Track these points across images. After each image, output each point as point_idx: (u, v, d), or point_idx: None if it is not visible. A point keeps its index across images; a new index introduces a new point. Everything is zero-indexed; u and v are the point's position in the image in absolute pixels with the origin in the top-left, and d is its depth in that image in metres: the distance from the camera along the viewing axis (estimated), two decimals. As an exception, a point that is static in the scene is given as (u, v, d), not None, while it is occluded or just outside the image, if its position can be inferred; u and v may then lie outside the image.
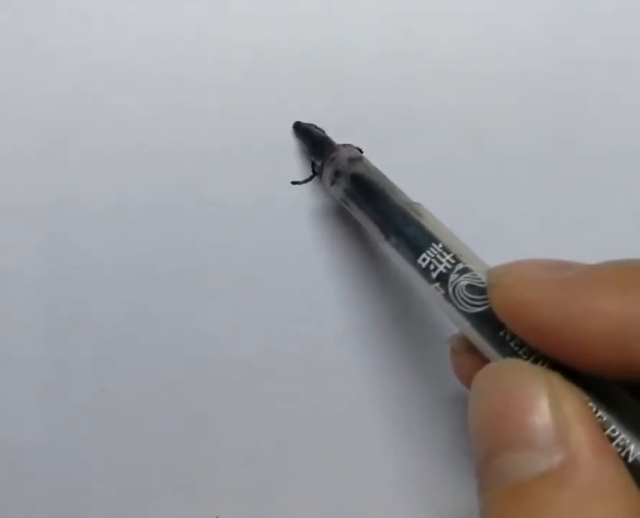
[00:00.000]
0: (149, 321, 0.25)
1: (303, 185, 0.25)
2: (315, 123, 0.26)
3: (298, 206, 0.26)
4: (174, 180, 0.25)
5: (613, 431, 0.16)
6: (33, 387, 0.24)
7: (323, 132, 0.25)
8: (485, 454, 0.16)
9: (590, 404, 0.16)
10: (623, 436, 0.16)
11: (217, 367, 0.25)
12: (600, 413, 0.16)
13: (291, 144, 0.26)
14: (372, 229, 0.22)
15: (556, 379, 0.16)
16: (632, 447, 0.16)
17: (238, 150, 0.26)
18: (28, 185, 0.25)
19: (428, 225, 0.21)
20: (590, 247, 0.26)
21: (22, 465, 0.24)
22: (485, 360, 0.19)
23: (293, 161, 0.26)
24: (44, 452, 0.24)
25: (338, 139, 0.26)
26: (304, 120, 0.26)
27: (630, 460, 0.16)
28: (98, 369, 0.24)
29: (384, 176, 0.23)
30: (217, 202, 0.25)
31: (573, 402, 0.16)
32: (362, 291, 0.25)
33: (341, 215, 0.25)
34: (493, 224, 0.26)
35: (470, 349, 0.20)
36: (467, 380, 0.21)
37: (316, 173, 0.25)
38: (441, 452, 0.25)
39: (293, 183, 0.26)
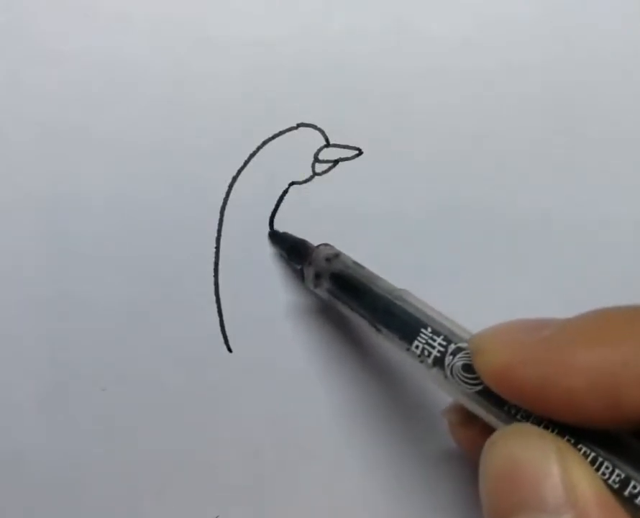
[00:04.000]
0: (149, 321, 0.25)
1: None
2: (287, 231, 0.25)
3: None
4: (174, 178, 0.25)
5: (635, 487, 0.16)
6: (33, 387, 0.24)
7: (298, 239, 0.25)
8: (497, 516, 0.17)
9: (607, 463, 0.17)
10: None
11: (217, 367, 0.25)
12: (618, 470, 0.16)
13: (290, 144, 0.26)
14: (362, 324, 0.22)
15: (563, 443, 0.17)
16: None
17: (238, 149, 0.26)
18: (28, 185, 0.25)
19: (415, 311, 0.21)
20: (590, 246, 0.26)
21: (22, 465, 0.24)
22: (487, 428, 0.19)
23: (293, 160, 0.26)
24: (44, 452, 0.24)
25: (337, 139, 0.26)
26: (304, 120, 0.26)
27: None
28: (98, 369, 0.24)
29: (364, 269, 0.23)
30: (217, 201, 0.25)
31: (581, 465, 0.16)
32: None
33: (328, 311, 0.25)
34: (494, 220, 0.26)
35: (468, 420, 0.21)
36: (469, 449, 0.22)
37: (315, 172, 0.25)
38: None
39: (292, 183, 0.26)
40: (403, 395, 0.25)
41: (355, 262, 0.23)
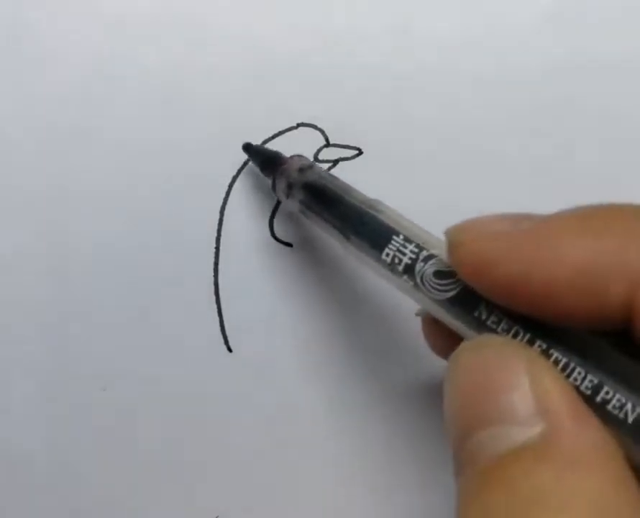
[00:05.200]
0: (149, 321, 0.25)
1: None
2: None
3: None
4: (174, 178, 0.25)
5: (607, 393, 0.16)
6: (33, 387, 0.24)
7: (271, 151, 0.25)
8: (462, 433, 0.16)
9: (579, 368, 0.16)
10: (618, 396, 0.15)
11: (217, 367, 0.25)
12: (590, 376, 0.16)
13: (290, 144, 0.26)
14: (333, 234, 0.22)
15: (534, 353, 0.16)
16: (629, 406, 0.15)
17: (238, 149, 0.26)
18: (28, 185, 0.25)
19: (387, 219, 0.20)
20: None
21: (23, 465, 0.24)
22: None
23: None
24: (44, 452, 0.24)
25: (337, 139, 0.26)
26: (304, 120, 0.26)
27: (630, 419, 0.15)
28: (98, 369, 0.24)
29: (337, 179, 0.23)
30: (217, 201, 0.26)
31: (552, 375, 0.16)
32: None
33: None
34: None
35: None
36: (441, 350, 0.21)
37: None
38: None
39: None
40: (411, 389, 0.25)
41: (329, 174, 0.23)
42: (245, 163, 0.26)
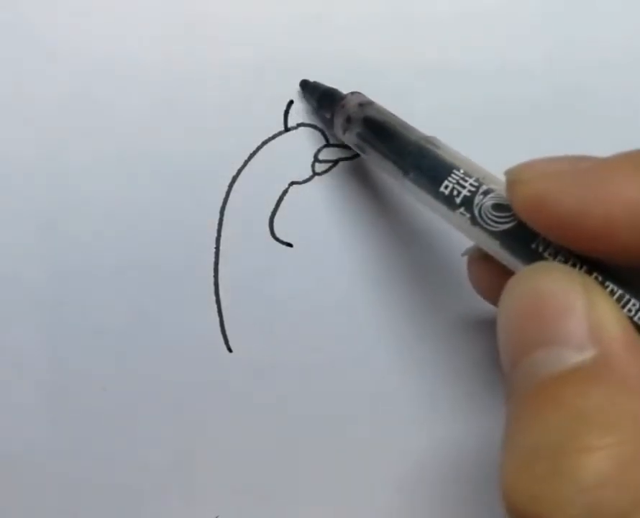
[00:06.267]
0: (149, 321, 0.25)
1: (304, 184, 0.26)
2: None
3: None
4: (173, 178, 0.25)
5: None
6: (34, 387, 0.24)
7: (329, 87, 0.25)
8: (516, 355, 0.16)
9: (634, 300, 0.16)
10: None
11: (217, 367, 0.25)
12: None
13: (289, 144, 0.26)
14: (389, 169, 0.22)
15: (591, 280, 0.16)
16: None
17: (238, 149, 0.26)
18: (28, 186, 0.25)
19: (447, 155, 0.20)
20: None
21: (22, 465, 0.24)
22: (509, 273, 0.18)
23: (293, 160, 0.26)
24: (45, 452, 0.24)
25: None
26: (305, 120, 0.26)
27: None
28: (98, 369, 0.25)
29: (396, 116, 0.23)
30: (217, 201, 0.25)
31: (607, 302, 0.16)
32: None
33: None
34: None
35: (490, 258, 0.20)
36: (486, 291, 0.21)
37: (315, 172, 0.25)
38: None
39: (292, 183, 0.26)
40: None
41: (388, 110, 0.23)
42: (245, 163, 0.26)
